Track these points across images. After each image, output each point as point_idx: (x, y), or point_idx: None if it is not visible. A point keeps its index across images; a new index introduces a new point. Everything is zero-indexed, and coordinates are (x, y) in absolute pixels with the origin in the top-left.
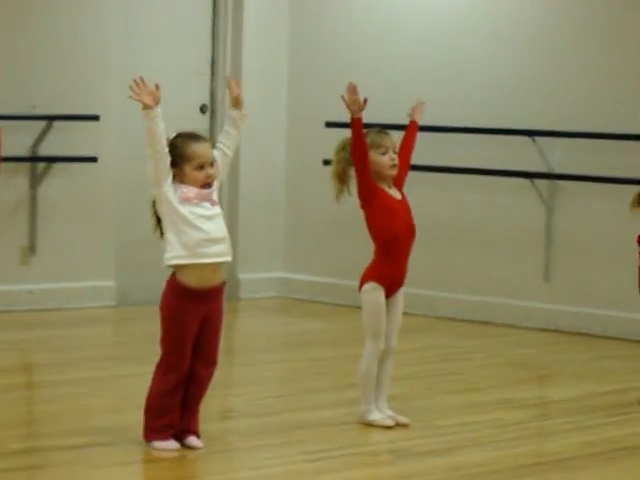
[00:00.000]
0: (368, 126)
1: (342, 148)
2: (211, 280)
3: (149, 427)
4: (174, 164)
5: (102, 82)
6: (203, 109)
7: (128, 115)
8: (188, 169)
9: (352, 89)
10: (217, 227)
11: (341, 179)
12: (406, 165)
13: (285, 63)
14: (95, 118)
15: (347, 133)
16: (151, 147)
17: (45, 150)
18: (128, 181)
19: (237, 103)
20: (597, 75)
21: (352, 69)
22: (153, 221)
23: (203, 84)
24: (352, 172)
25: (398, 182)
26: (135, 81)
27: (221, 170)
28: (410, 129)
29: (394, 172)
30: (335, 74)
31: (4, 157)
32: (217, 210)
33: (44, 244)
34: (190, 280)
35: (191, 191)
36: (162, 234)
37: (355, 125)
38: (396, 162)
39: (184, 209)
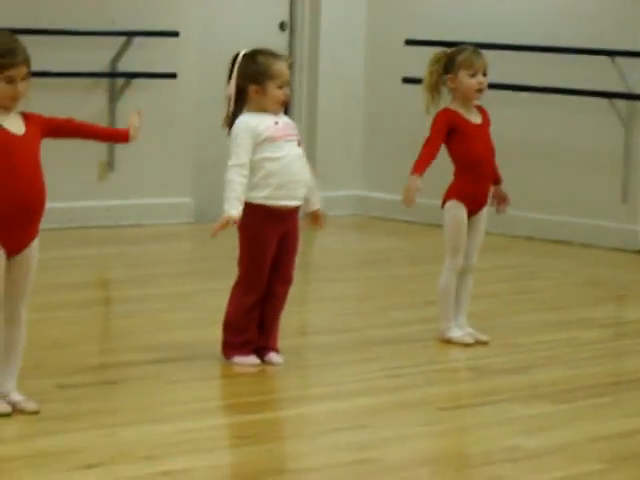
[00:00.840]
0: (459, 44)
1: (436, 61)
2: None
3: (229, 344)
4: (254, 81)
5: None
6: (282, 26)
7: (208, 31)
8: (271, 87)
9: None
10: (303, 169)
11: (433, 91)
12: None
13: None
14: (174, 34)
15: (427, 51)
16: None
17: (124, 66)
18: (207, 97)
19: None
20: None
21: None
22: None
23: (282, 0)
24: (443, 85)
25: (482, 111)
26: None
27: None
28: (497, 179)
29: (478, 96)
30: None
31: (84, 72)
32: (301, 151)
33: (122, 160)
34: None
35: (277, 130)
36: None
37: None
38: (483, 87)
39: (272, 147)
